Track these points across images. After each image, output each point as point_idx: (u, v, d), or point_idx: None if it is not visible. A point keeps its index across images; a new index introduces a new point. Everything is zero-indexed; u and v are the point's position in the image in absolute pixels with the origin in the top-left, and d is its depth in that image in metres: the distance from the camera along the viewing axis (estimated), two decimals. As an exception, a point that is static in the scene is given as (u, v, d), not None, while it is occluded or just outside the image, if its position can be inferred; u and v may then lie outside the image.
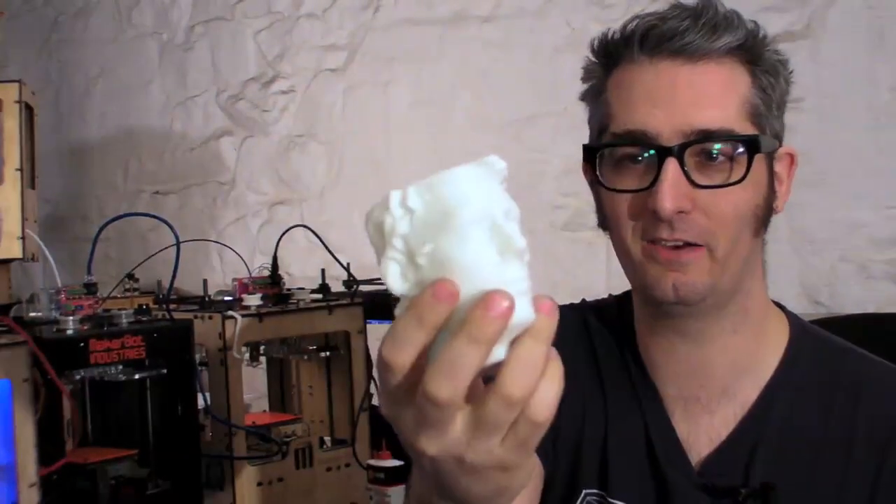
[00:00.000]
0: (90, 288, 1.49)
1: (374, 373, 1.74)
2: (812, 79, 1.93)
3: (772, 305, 1.06)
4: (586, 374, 1.09)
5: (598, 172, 0.98)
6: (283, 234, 1.73)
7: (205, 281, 1.72)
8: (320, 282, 1.76)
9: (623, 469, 1.05)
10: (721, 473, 1.00)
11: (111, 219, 1.69)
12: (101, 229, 1.59)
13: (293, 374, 1.84)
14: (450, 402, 0.57)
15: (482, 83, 2.43)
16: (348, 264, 1.74)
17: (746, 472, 0.99)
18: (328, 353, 1.76)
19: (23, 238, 1.66)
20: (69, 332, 1.35)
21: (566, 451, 1.07)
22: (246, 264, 1.88)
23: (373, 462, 1.70)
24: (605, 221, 1.01)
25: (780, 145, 1.00)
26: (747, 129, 0.95)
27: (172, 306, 1.59)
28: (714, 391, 1.02)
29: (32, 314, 1.46)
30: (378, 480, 1.69)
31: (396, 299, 0.60)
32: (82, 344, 1.34)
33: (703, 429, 1.02)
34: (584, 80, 1.04)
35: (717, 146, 0.94)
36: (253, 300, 1.62)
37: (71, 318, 1.37)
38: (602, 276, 2.14)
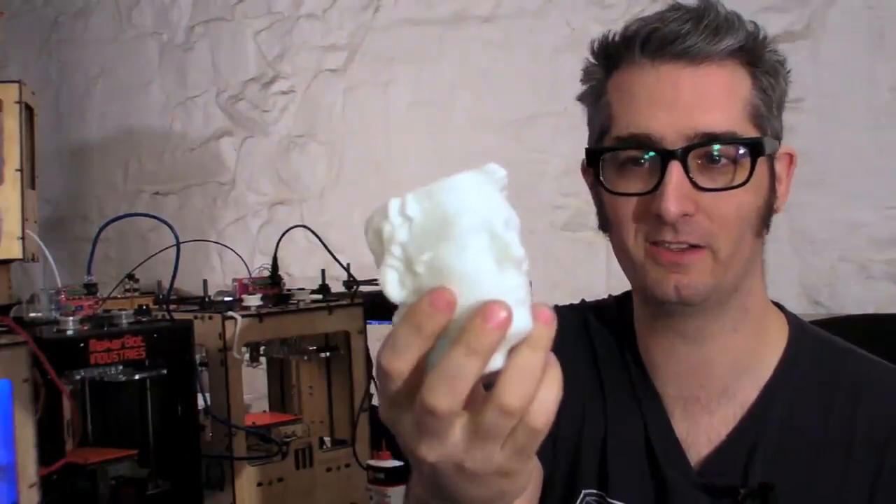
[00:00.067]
0: (90, 288, 1.49)
1: (374, 373, 1.74)
2: (812, 79, 1.93)
3: (771, 305, 1.06)
4: (586, 374, 1.09)
5: (600, 175, 0.97)
6: (283, 234, 1.73)
7: (205, 281, 1.72)
8: (320, 282, 1.76)
9: (622, 469, 1.05)
10: (720, 473, 1.00)
11: (111, 219, 1.69)
12: (101, 229, 1.59)
13: (293, 374, 1.84)
14: (448, 412, 0.58)
15: (482, 83, 2.43)
16: (348, 265, 1.74)
17: (745, 472, 0.99)
18: (328, 354, 1.76)
19: (23, 238, 1.66)
20: (69, 332, 1.35)
21: (566, 451, 1.08)
22: (246, 264, 1.88)
23: (373, 462, 1.70)
24: (607, 223, 1.01)
25: (780, 145, 1.00)
26: (749, 130, 0.95)
27: (172, 307, 1.59)
28: (714, 391, 1.02)
29: (32, 314, 1.46)
30: (378, 481, 1.69)
31: (395, 305, 0.60)
32: (82, 344, 1.34)
33: (703, 429, 1.03)
34: (583, 81, 1.04)
35: (721, 149, 0.94)
36: (253, 300, 1.62)
37: (71, 318, 1.37)
38: (602, 276, 2.14)
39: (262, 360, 1.78)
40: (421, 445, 0.61)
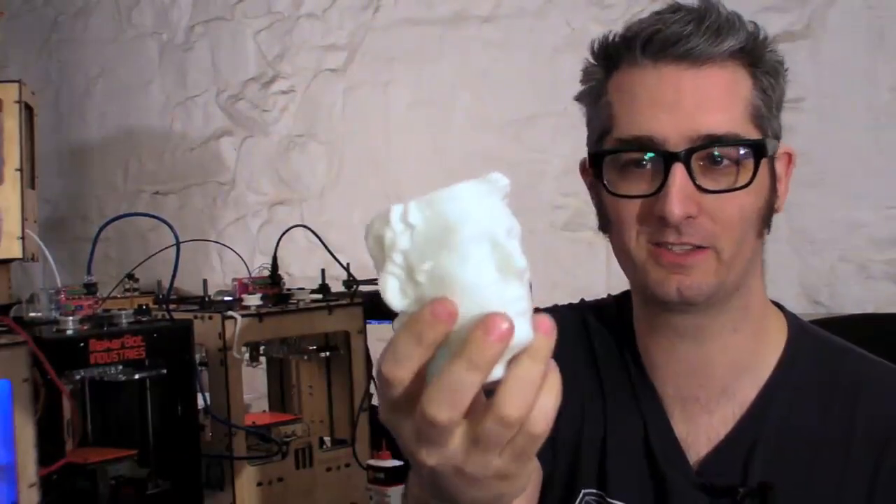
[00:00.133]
0: (90, 288, 1.49)
1: (375, 377, 1.74)
2: (812, 79, 1.93)
3: (770, 305, 1.06)
4: (585, 374, 1.10)
5: (603, 177, 0.97)
6: (283, 234, 1.73)
7: (205, 281, 1.72)
8: (320, 282, 1.76)
9: (622, 469, 1.05)
10: (719, 473, 1.00)
11: (111, 219, 1.69)
12: (101, 229, 1.59)
13: (293, 374, 1.84)
14: (449, 423, 0.58)
15: (482, 83, 2.43)
16: (348, 264, 1.74)
17: (745, 472, 0.99)
18: (328, 353, 1.76)
19: (23, 238, 1.66)
20: (69, 332, 1.35)
21: (565, 451, 1.08)
22: (246, 264, 1.88)
23: (373, 462, 1.70)
24: (607, 224, 1.01)
25: (779, 145, 1.00)
26: (751, 131, 0.95)
27: (172, 306, 1.59)
28: (713, 391, 1.02)
29: (32, 314, 1.46)
30: (378, 480, 1.69)
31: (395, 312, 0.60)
32: (82, 344, 1.34)
33: (702, 428, 1.03)
34: (583, 81, 1.04)
35: (724, 150, 0.94)
36: (253, 300, 1.62)
37: (71, 318, 1.37)
38: (602, 276, 2.14)
39: (262, 359, 1.78)
40: (421, 450, 0.61)
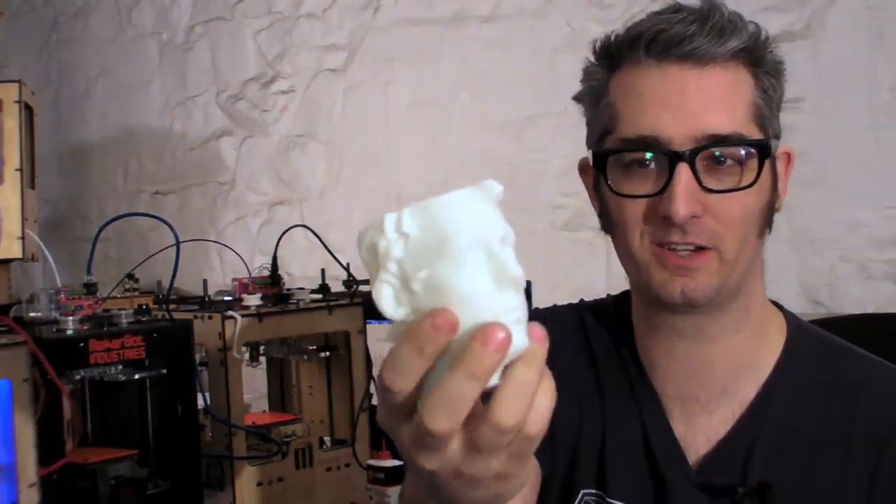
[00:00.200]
0: (90, 288, 1.49)
1: (375, 373, 1.74)
2: (812, 79, 1.93)
3: (770, 304, 1.06)
4: (584, 374, 1.10)
5: (607, 177, 0.97)
6: (283, 234, 1.73)
7: (205, 281, 1.72)
8: (320, 282, 1.76)
9: (621, 469, 1.05)
10: (719, 472, 1.00)
11: (111, 219, 1.69)
12: (101, 229, 1.59)
13: (293, 374, 1.84)
14: (447, 434, 0.59)
15: (482, 83, 2.43)
16: (348, 264, 1.74)
17: (744, 471, 0.99)
18: (328, 353, 1.76)
19: (23, 238, 1.67)
20: (69, 332, 1.35)
21: (564, 451, 1.08)
22: (246, 264, 1.88)
23: (373, 462, 1.70)
24: (609, 224, 1.01)
25: (778, 145, 1.01)
26: (754, 131, 0.96)
27: (172, 306, 1.59)
28: (713, 391, 1.02)
29: (32, 314, 1.46)
30: (378, 480, 1.69)
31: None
32: (82, 344, 1.34)
33: (702, 428, 1.03)
34: (583, 81, 1.04)
35: (729, 150, 0.94)
36: (253, 300, 1.62)
37: (71, 318, 1.37)
38: (602, 276, 2.14)
39: (262, 359, 1.78)
40: (420, 456, 0.62)
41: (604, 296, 1.17)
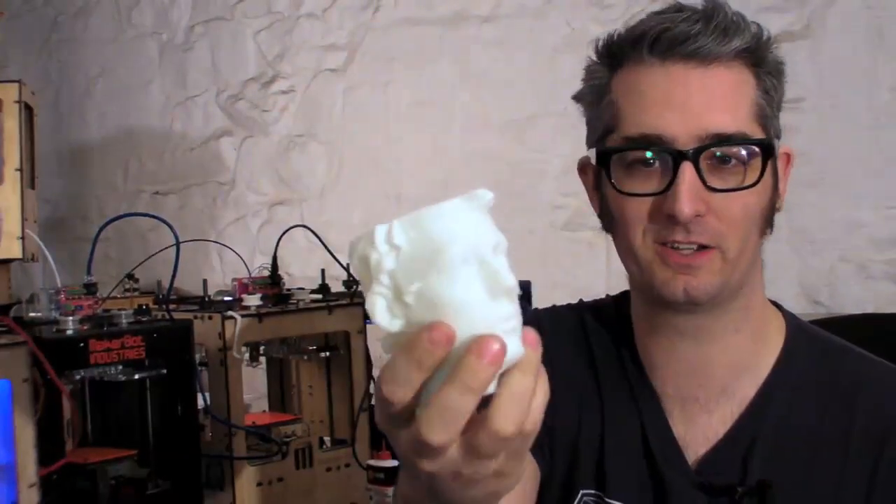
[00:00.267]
0: (90, 288, 1.49)
1: (375, 373, 1.74)
2: (812, 79, 1.93)
3: (769, 304, 1.07)
4: (583, 374, 1.09)
5: (611, 175, 0.97)
6: (283, 234, 1.73)
7: (205, 281, 1.72)
8: (320, 282, 1.76)
9: (620, 469, 1.05)
10: (718, 472, 1.00)
11: (111, 219, 1.69)
12: (101, 229, 1.59)
13: (293, 374, 1.84)
14: (445, 445, 0.59)
15: (482, 83, 2.43)
16: (348, 264, 1.74)
17: (743, 471, 0.99)
18: (328, 353, 1.76)
19: (23, 238, 1.67)
20: (69, 332, 1.35)
21: (563, 451, 1.08)
22: (246, 264, 1.88)
23: (372, 462, 1.70)
24: (611, 223, 1.01)
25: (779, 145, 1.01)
26: (757, 131, 0.96)
27: (172, 306, 1.59)
28: (713, 391, 1.02)
29: (32, 314, 1.47)
30: (378, 480, 1.69)
31: None
32: (82, 344, 1.34)
33: (701, 428, 1.03)
34: (584, 80, 1.04)
35: (732, 150, 0.94)
36: (253, 300, 1.62)
37: (71, 318, 1.37)
38: (602, 276, 2.14)
39: (262, 359, 1.78)
40: (419, 460, 0.62)
41: (603, 296, 1.17)
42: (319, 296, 1.73)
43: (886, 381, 1.02)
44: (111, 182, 3.24)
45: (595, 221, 1.05)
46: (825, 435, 0.99)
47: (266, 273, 1.74)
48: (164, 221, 1.56)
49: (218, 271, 2.81)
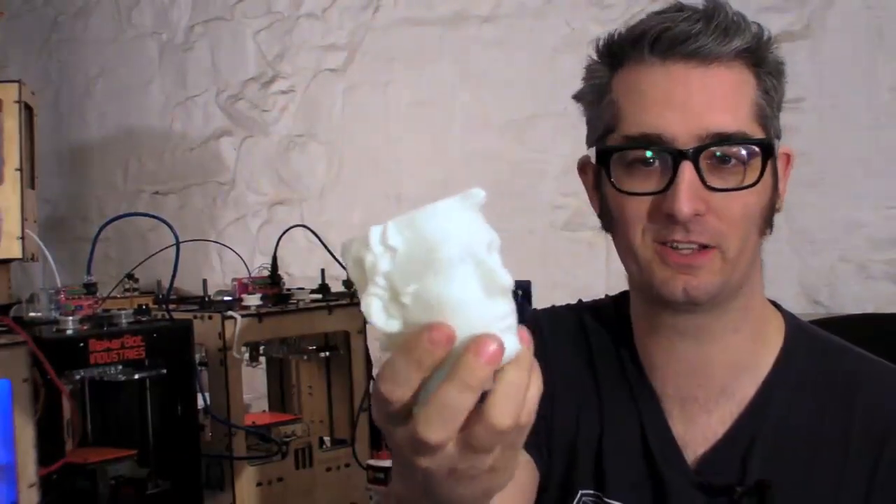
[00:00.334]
0: (90, 288, 1.50)
1: (374, 373, 1.74)
2: (812, 79, 1.93)
3: (768, 304, 1.07)
4: (582, 374, 1.09)
5: (610, 174, 0.97)
6: (283, 234, 1.73)
7: (204, 281, 1.72)
8: (320, 282, 1.76)
9: (619, 469, 1.05)
10: (717, 472, 1.00)
11: (111, 219, 1.69)
12: (100, 229, 1.59)
13: (293, 374, 1.84)
14: (443, 443, 0.60)
15: (482, 83, 2.43)
16: (348, 264, 1.74)
17: (743, 470, 0.99)
18: (328, 353, 1.76)
19: (23, 238, 1.67)
20: (69, 332, 1.36)
21: (561, 452, 1.08)
22: (246, 264, 1.88)
23: (372, 462, 1.70)
24: (610, 223, 1.01)
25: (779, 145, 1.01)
26: (757, 131, 0.96)
27: (172, 306, 1.59)
28: (713, 391, 1.02)
29: (32, 314, 1.47)
30: (378, 480, 1.69)
31: None
32: (82, 344, 1.34)
33: (700, 428, 1.03)
34: (585, 79, 1.04)
35: (732, 150, 0.94)
36: (253, 300, 1.62)
37: (71, 318, 1.37)
38: (602, 276, 2.14)
39: (262, 359, 1.78)
40: (415, 456, 0.62)
41: (603, 296, 1.17)
42: (319, 296, 1.73)
43: (886, 380, 1.02)
44: (111, 182, 3.24)
45: (595, 221, 1.05)
46: (824, 435, 0.99)
47: (266, 273, 1.74)
48: (164, 221, 1.56)
49: (218, 271, 2.81)
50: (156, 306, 1.59)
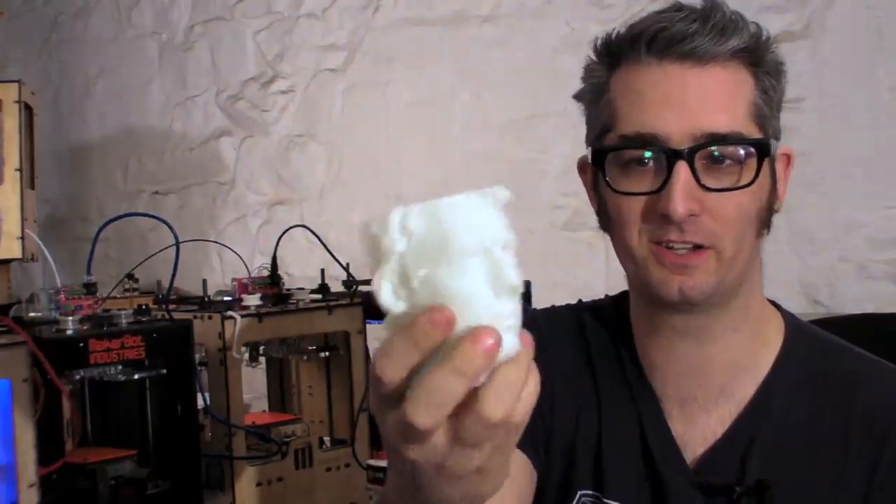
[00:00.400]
0: (90, 288, 1.49)
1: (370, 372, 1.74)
2: (812, 79, 1.93)
3: (768, 304, 1.07)
4: (581, 374, 1.09)
5: (606, 174, 0.97)
6: (283, 234, 1.73)
7: (204, 281, 1.72)
8: (320, 282, 1.76)
9: (618, 469, 1.05)
10: (716, 472, 1.00)
11: (111, 219, 1.69)
12: (100, 229, 1.59)
13: (293, 374, 1.84)
14: (430, 429, 0.59)
15: (482, 83, 2.43)
16: (348, 264, 1.74)
17: (742, 470, 0.99)
18: (328, 353, 1.76)
19: (22, 238, 1.67)
20: (69, 332, 1.35)
21: (560, 451, 1.08)
22: (245, 264, 1.88)
23: (372, 462, 1.71)
24: (608, 222, 1.01)
25: (778, 145, 1.01)
26: (753, 131, 0.96)
27: (172, 306, 1.59)
28: (712, 391, 1.02)
29: (32, 314, 1.47)
30: (378, 480, 1.69)
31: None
32: (82, 344, 1.34)
33: (700, 428, 1.03)
34: (584, 79, 1.04)
35: (728, 150, 0.94)
36: (252, 300, 1.62)
37: (71, 318, 1.37)
38: (602, 276, 2.14)
39: (262, 359, 1.78)
40: (403, 445, 0.62)
41: (603, 296, 1.17)
42: (319, 296, 1.73)
43: (885, 380, 1.02)
44: (111, 182, 3.24)
45: (595, 221, 1.05)
46: (824, 435, 0.99)
47: (266, 273, 1.74)
48: (164, 221, 1.56)
49: (218, 271, 2.81)
50: (156, 306, 1.59)
